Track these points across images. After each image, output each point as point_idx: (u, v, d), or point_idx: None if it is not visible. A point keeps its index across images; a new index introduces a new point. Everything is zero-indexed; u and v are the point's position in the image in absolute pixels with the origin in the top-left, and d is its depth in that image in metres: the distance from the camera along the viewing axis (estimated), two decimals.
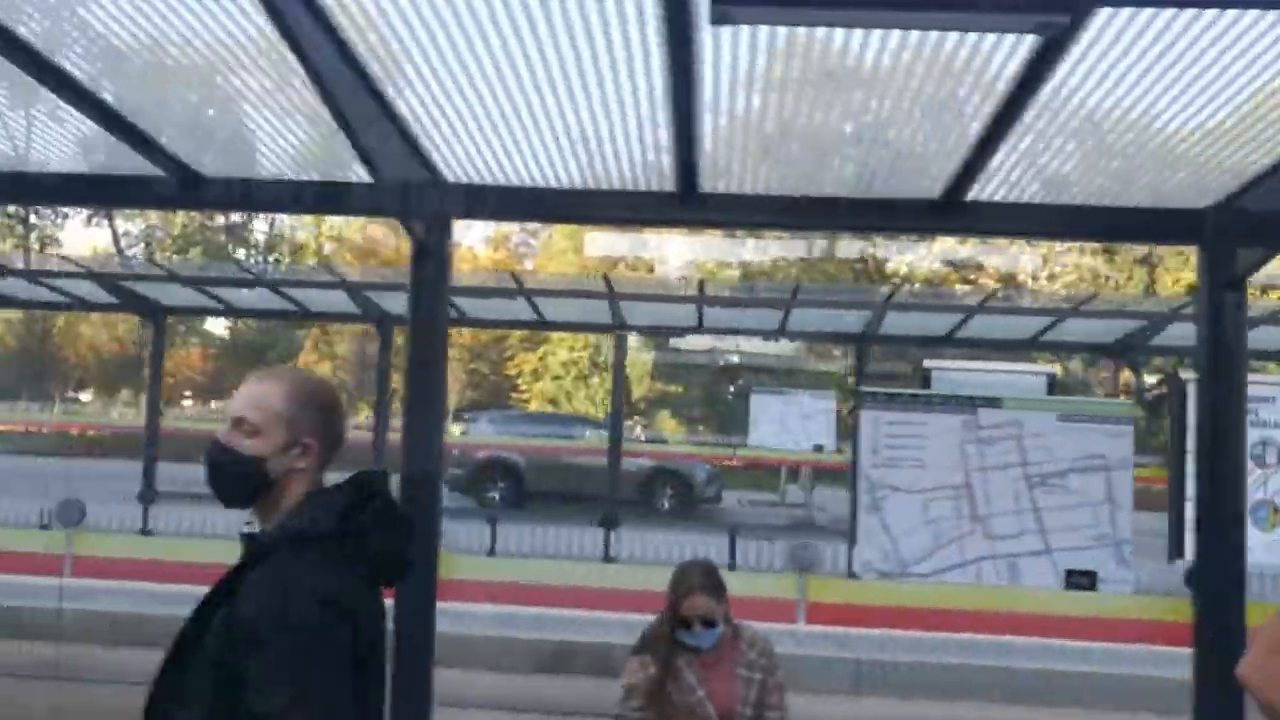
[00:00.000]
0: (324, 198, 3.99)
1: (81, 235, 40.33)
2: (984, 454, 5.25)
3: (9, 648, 7.36)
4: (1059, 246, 26.25)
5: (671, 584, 3.80)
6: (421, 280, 3.92)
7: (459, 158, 3.97)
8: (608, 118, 3.80)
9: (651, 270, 34.91)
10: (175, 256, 35.27)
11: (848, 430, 11.77)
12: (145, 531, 11.49)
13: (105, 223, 38.56)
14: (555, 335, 33.13)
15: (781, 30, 3.11)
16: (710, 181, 3.87)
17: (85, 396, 37.71)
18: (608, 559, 11.31)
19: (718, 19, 2.45)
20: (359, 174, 4.15)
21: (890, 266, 26.53)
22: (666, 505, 17.48)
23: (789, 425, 11.24)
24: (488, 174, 4.02)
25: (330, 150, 4.09)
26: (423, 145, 3.80)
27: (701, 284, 9.94)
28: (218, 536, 10.81)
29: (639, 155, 3.92)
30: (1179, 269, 28.54)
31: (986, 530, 5.25)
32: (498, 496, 17.32)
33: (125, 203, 3.79)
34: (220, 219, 39.21)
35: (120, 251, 38.36)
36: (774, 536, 12.14)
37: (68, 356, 36.35)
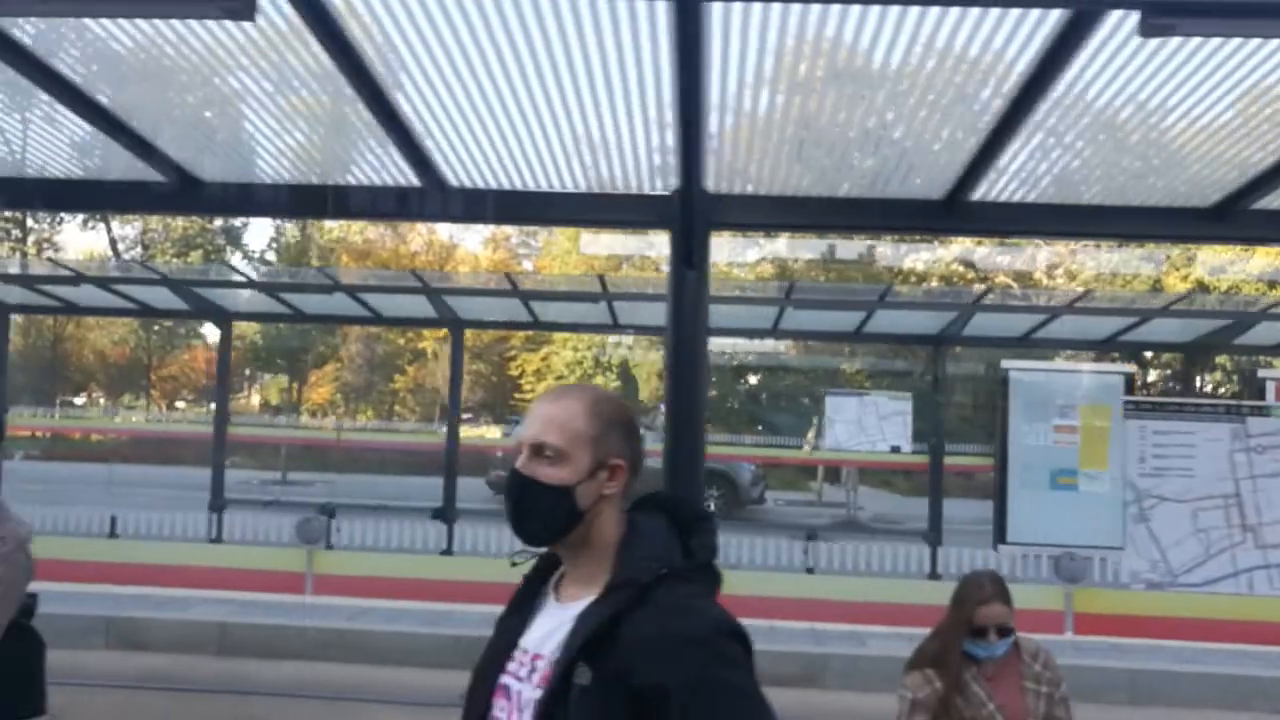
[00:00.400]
0: (585, 207, 3.93)
1: (78, 239, 39.85)
2: (1254, 463, 5.24)
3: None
4: (1074, 245, 26.42)
5: (962, 594, 3.76)
6: (684, 291, 3.87)
7: (728, 166, 3.93)
8: (883, 128, 3.77)
9: (657, 270, 34.87)
10: (175, 260, 34.92)
11: (929, 429, 11.80)
12: (215, 540, 11.34)
13: (101, 226, 38.10)
14: (559, 335, 32.95)
15: (1136, 42, 3.07)
16: (978, 191, 3.84)
17: (79, 400, 37.30)
18: None
19: (1151, 31, 2.42)
20: (604, 184, 4.11)
21: (906, 264, 26.63)
22: (712, 506, 17.44)
23: (866, 427, 11.22)
24: (751, 183, 3.98)
25: (578, 160, 4.03)
26: (699, 154, 3.75)
27: (791, 287, 9.90)
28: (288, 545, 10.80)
29: (913, 164, 3.89)
30: (1185, 266, 28.83)
31: (1258, 540, 5.25)
32: None
33: (382, 215, 3.74)
34: (219, 222, 38.81)
35: (117, 255, 37.93)
36: (832, 537, 12.12)
37: (77, 361, 35.94)
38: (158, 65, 3.20)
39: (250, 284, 10.41)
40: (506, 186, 3.96)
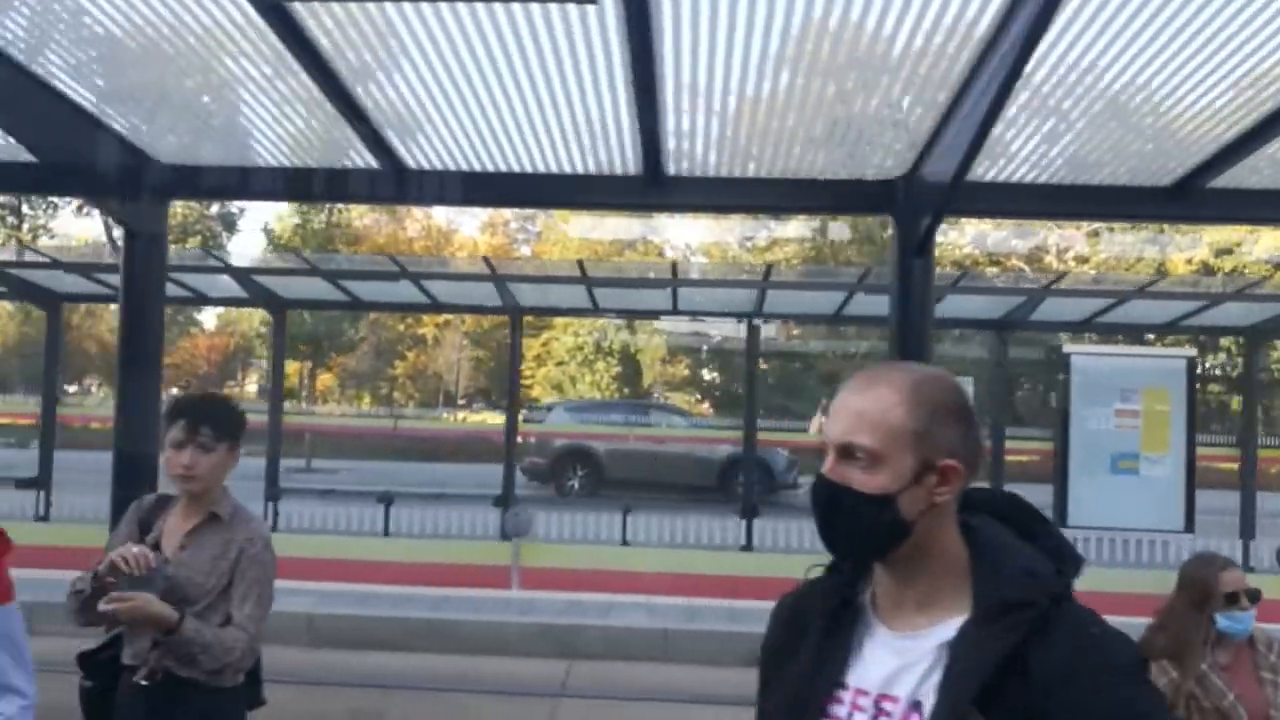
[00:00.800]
0: (799, 194, 3.85)
1: (73, 225, 39.31)
2: None
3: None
4: (1085, 227, 26.51)
5: (1194, 573, 3.72)
6: (911, 280, 3.81)
7: (946, 152, 3.86)
8: (1102, 115, 3.72)
9: (661, 254, 34.68)
10: (174, 245, 34.49)
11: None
12: (273, 529, 11.21)
13: (96, 213, 37.58)
14: (560, 320, 32.66)
15: None
16: (1217, 178, 3.79)
17: (70, 388, 36.86)
18: (747, 548, 11.23)
19: None
20: (818, 170, 4.04)
21: None
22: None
23: None
24: (976, 169, 3.91)
25: (797, 147, 3.96)
26: (917, 140, 3.69)
27: (868, 272, 9.86)
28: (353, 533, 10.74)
29: (1134, 151, 3.84)
30: (1189, 248, 29.02)
31: None
32: (576, 485, 17.25)
33: (580, 203, 3.62)
34: (215, 208, 38.37)
35: (112, 241, 37.40)
36: None
37: (78, 350, 35.52)
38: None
39: (314, 271, 10.26)
40: (724, 174, 3.88)
